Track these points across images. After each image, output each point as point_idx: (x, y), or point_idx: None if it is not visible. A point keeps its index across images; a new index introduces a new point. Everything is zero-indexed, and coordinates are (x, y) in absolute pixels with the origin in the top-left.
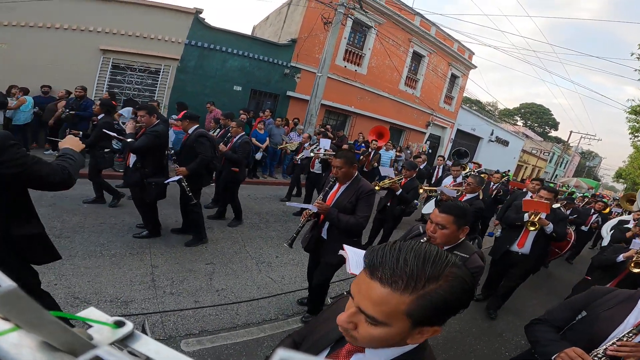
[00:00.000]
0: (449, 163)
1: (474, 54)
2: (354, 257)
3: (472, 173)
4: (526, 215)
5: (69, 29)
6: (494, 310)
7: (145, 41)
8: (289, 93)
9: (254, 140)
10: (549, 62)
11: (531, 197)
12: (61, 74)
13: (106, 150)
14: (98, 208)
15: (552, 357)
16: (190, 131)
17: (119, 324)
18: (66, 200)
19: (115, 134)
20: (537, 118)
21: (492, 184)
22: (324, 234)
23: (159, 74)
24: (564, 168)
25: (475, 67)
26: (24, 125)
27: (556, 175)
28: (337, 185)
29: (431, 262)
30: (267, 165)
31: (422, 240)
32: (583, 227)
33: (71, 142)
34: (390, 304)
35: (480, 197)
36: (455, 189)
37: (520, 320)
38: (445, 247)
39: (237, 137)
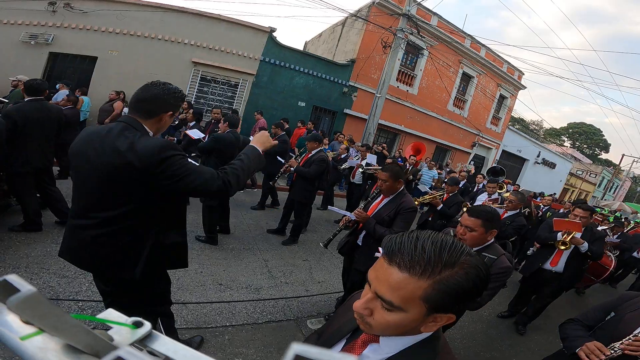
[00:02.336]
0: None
1: (523, 74)
2: None
3: (514, 191)
4: (559, 235)
5: (168, 41)
6: (523, 325)
7: (229, 56)
8: (346, 110)
9: None
10: (601, 79)
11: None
12: None
13: (192, 154)
14: None
15: (576, 350)
16: (313, 152)
17: (137, 324)
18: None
19: (193, 135)
20: (587, 139)
21: (542, 206)
22: (360, 241)
23: (237, 88)
24: (613, 193)
25: (525, 87)
26: (81, 122)
27: (605, 199)
28: (380, 197)
29: (447, 249)
30: None
31: None
32: (635, 254)
33: (259, 139)
34: (407, 288)
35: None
36: (500, 207)
37: (554, 337)
38: (474, 249)
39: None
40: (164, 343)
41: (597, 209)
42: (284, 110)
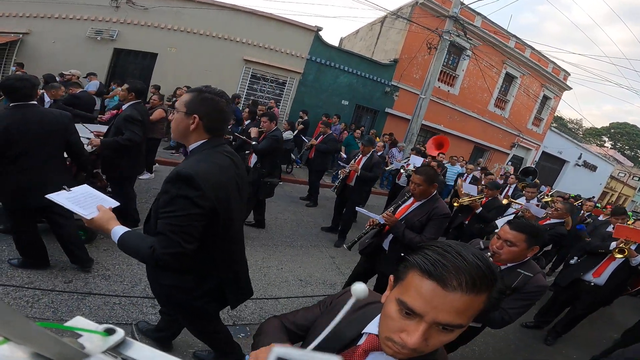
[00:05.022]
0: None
1: (569, 74)
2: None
3: (562, 200)
4: (614, 244)
5: (221, 38)
6: (553, 338)
7: (277, 54)
8: (387, 110)
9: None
10: None
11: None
12: (213, 80)
13: (246, 152)
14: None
15: None
16: (368, 155)
17: (109, 332)
18: None
19: (240, 136)
20: (629, 140)
21: (582, 211)
22: (385, 245)
23: (285, 86)
24: None
25: (570, 88)
26: None
27: None
28: (410, 200)
29: (489, 260)
30: None
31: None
32: None
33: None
34: (474, 306)
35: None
36: (543, 210)
37: (576, 352)
38: (509, 265)
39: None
40: (139, 350)
41: (630, 214)
42: (329, 108)
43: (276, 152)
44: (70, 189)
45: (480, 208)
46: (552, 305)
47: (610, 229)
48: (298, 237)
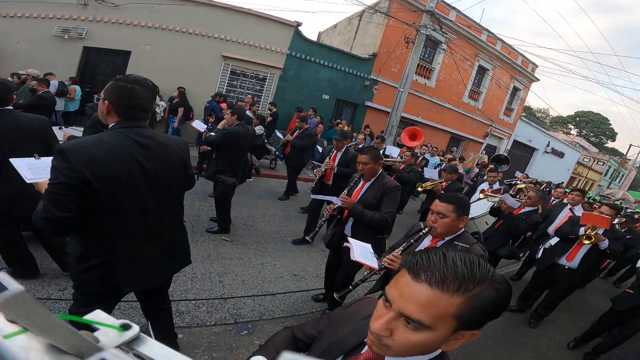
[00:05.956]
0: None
1: (537, 66)
2: (357, 248)
3: (535, 187)
4: (582, 229)
5: (199, 35)
6: (536, 321)
7: (257, 50)
8: (367, 103)
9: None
10: (610, 68)
11: (570, 209)
12: (191, 77)
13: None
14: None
15: None
16: (343, 150)
17: (125, 327)
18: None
19: (202, 130)
20: (594, 127)
21: (552, 199)
22: (347, 231)
23: (265, 81)
24: (619, 182)
25: (538, 80)
26: (74, 112)
27: (610, 188)
28: (362, 182)
29: (477, 265)
30: None
31: (421, 233)
32: None
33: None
34: (440, 305)
35: (540, 211)
36: (519, 201)
37: (558, 334)
38: (447, 238)
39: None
40: (151, 346)
41: (597, 198)
42: (310, 103)
43: (230, 147)
44: (41, 157)
45: (442, 192)
46: (532, 288)
47: (567, 209)
48: (288, 232)
